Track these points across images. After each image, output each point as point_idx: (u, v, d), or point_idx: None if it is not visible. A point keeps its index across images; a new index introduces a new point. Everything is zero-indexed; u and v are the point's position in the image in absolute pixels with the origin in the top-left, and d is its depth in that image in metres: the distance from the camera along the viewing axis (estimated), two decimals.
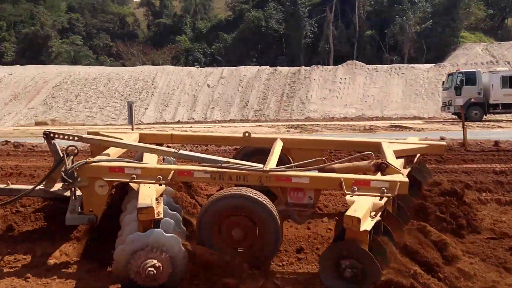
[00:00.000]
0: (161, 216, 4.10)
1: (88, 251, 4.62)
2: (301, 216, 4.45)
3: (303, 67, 30.56)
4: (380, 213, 3.91)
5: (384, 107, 25.81)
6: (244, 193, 4.27)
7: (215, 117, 25.32)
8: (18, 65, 34.25)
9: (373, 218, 3.78)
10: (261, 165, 4.59)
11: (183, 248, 3.93)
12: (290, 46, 45.86)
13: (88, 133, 5.87)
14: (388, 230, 4.03)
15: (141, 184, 4.37)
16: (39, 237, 5.10)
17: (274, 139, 5.51)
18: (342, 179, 4.13)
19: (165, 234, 3.88)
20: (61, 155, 4.88)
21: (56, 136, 5.13)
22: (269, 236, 4.26)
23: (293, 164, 4.66)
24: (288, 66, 32.24)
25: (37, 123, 23.39)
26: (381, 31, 43.80)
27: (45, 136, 5.21)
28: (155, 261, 3.80)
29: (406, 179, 4.11)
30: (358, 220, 3.54)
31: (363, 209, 3.76)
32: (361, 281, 3.70)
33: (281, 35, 46.16)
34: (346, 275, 3.71)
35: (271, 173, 4.36)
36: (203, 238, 4.36)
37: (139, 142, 5.70)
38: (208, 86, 28.17)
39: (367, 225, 3.67)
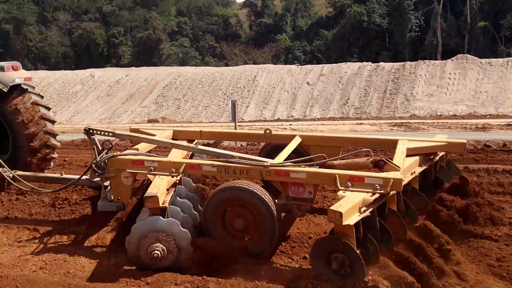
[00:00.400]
0: (166, 204, 4.53)
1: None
2: (301, 209, 4.57)
3: (408, 62, 29.20)
4: (371, 209, 3.96)
5: (500, 104, 23.72)
6: (242, 185, 4.53)
7: (314, 114, 25.28)
8: (134, 67, 37.20)
9: (360, 213, 3.84)
10: (269, 160, 4.79)
11: (183, 229, 4.33)
12: (393, 41, 44.10)
13: (131, 130, 6.43)
14: (385, 228, 4.04)
15: (156, 176, 4.82)
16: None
17: (293, 136, 5.68)
18: (337, 175, 4.25)
19: (163, 219, 4.37)
20: (100, 148, 5.49)
21: (95, 132, 5.70)
22: (266, 227, 4.46)
23: (295, 160, 4.71)
24: (391, 62, 31.04)
25: (149, 121, 25.30)
26: (495, 22, 40.24)
27: (85, 132, 5.78)
28: (159, 244, 4.31)
29: (401, 176, 4.13)
30: (340, 214, 3.67)
31: (349, 204, 3.86)
32: (348, 274, 3.80)
33: (384, 30, 44.55)
34: (333, 267, 3.87)
35: (271, 168, 4.53)
36: (208, 227, 4.71)
37: (172, 138, 6.23)
38: (308, 83, 28.20)
39: (352, 219, 3.76)
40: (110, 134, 5.82)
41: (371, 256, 3.90)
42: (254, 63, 40.11)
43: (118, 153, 5.43)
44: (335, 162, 4.88)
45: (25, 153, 6.85)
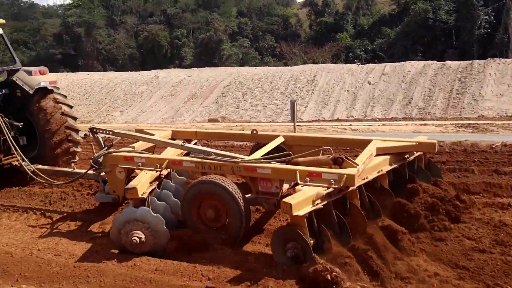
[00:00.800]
0: (145, 196, 5.14)
1: None
2: (268, 203, 5.00)
3: (477, 60, 27.76)
4: (324, 202, 4.31)
5: None
6: (212, 179, 4.99)
7: (375, 115, 24.69)
8: (195, 68, 38.15)
9: (313, 205, 4.21)
10: (243, 157, 5.19)
11: (155, 214, 4.88)
12: (460, 39, 42.06)
13: (136, 130, 7.04)
14: (342, 221, 4.36)
15: (143, 171, 5.39)
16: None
17: (277, 136, 6.12)
18: (297, 171, 4.62)
19: (134, 208, 4.99)
20: (103, 146, 6.08)
21: (99, 131, 6.31)
22: (234, 218, 4.86)
23: (265, 157, 5.14)
24: (458, 60, 29.66)
25: (209, 120, 25.86)
26: None
27: (90, 131, 6.39)
28: (138, 231, 4.89)
29: (353, 172, 4.40)
30: (290, 205, 4.05)
31: (302, 197, 4.22)
32: (301, 261, 4.13)
33: (450, 27, 42.60)
34: (288, 254, 4.24)
35: (241, 164, 4.94)
36: (185, 216, 5.18)
37: (171, 138, 6.78)
38: (369, 83, 27.58)
39: (303, 210, 4.11)
40: (111, 133, 6.42)
41: (324, 245, 4.21)
42: (313, 63, 39.81)
43: (113, 150, 5.94)
44: (300, 159, 5.18)
45: (49, 147, 7.61)
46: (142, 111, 29.65)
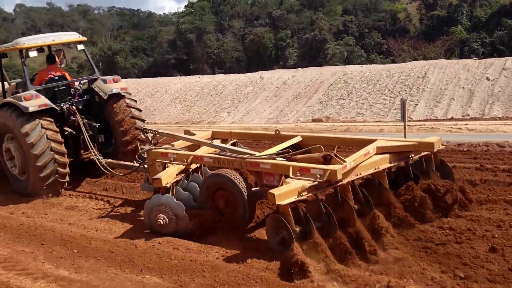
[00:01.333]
0: (168, 185, 6.05)
1: None
2: None
3: None
4: (309, 194, 4.83)
5: None
6: (222, 172, 5.78)
7: (495, 113, 22.64)
8: (299, 68, 38.31)
9: (298, 196, 4.72)
10: (256, 153, 5.92)
11: (179, 202, 5.79)
12: None
13: (184, 131, 7.93)
14: (330, 212, 4.81)
15: (172, 164, 6.36)
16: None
17: (296, 136, 6.78)
18: (290, 166, 5.19)
19: (166, 196, 5.92)
20: (151, 143, 7.16)
21: (148, 131, 7.48)
22: (239, 207, 5.56)
23: (265, 154, 5.80)
24: None
25: (313, 120, 25.79)
26: None
27: (141, 131, 7.86)
28: (162, 215, 5.84)
29: (336, 168, 4.84)
30: (273, 195, 4.57)
31: (287, 188, 4.78)
32: (287, 246, 4.57)
33: None
34: (276, 239, 4.84)
35: (247, 160, 5.64)
36: (202, 202, 6.00)
37: (211, 137, 7.62)
38: (488, 79, 25.38)
39: (286, 200, 4.61)
40: (156, 132, 7.59)
41: (307, 233, 4.70)
42: (424, 59, 37.69)
43: (154, 147, 7.03)
44: (298, 156, 5.72)
45: (121, 145, 8.91)
46: (248, 111, 30.54)
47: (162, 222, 5.89)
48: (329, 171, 4.92)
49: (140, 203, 7.52)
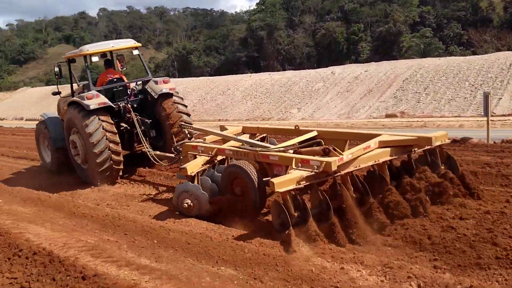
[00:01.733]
0: (193, 174, 6.98)
1: None
2: None
3: None
4: (307, 183, 5.41)
5: None
6: (237, 163, 6.47)
7: None
8: (373, 62, 37.23)
9: (296, 184, 5.31)
10: (271, 146, 6.70)
11: (203, 191, 6.67)
12: None
13: (220, 126, 8.97)
14: (326, 199, 5.34)
15: (200, 156, 7.37)
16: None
17: (312, 131, 7.27)
18: (294, 158, 5.78)
19: (189, 183, 6.85)
20: (188, 137, 8.49)
21: (185, 126, 8.89)
22: (251, 194, 6.19)
23: (278, 147, 6.52)
24: None
25: (387, 116, 24.97)
26: None
27: (179, 126, 9.29)
28: (187, 199, 6.76)
29: (330, 160, 5.35)
30: (273, 183, 5.20)
31: (286, 178, 5.36)
32: (286, 228, 5.23)
33: None
34: (278, 222, 5.46)
35: (259, 152, 6.35)
36: (222, 189, 6.74)
37: (242, 132, 8.43)
38: None
39: (284, 188, 5.20)
40: (190, 128, 8.97)
41: (305, 218, 5.30)
42: (508, 50, 35.10)
43: (187, 140, 8.11)
44: (303, 149, 6.37)
45: (169, 138, 9.75)
46: (318, 107, 30.22)
47: (187, 206, 6.82)
48: (324, 162, 5.44)
49: None
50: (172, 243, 5.80)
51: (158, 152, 9.62)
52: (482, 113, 12.15)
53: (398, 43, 51.10)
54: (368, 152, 5.98)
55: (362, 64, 38.74)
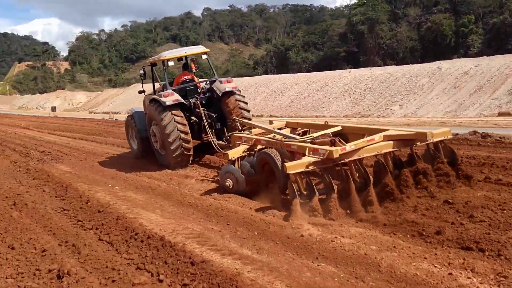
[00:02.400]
0: (233, 159, 8.50)
1: None
2: None
3: None
4: (314, 167, 6.58)
5: None
6: (266, 151, 7.81)
7: None
8: (484, 56, 34.49)
9: (305, 168, 6.49)
10: (296, 137, 7.99)
11: (241, 174, 8.13)
12: None
13: (269, 121, 10.85)
14: (331, 182, 6.41)
15: (242, 145, 8.89)
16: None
17: (337, 125, 8.47)
18: (307, 147, 6.95)
19: (231, 166, 8.39)
20: (239, 130, 10.12)
21: (237, 121, 10.47)
22: (278, 176, 7.36)
23: (298, 138, 7.76)
24: None
25: (500, 114, 23.00)
26: None
27: (232, 120, 10.62)
28: (229, 179, 8.20)
29: (333, 149, 6.49)
30: (285, 167, 6.46)
31: (297, 163, 6.62)
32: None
33: None
34: (289, 197, 6.79)
35: (284, 142, 7.62)
36: (257, 172, 8.13)
37: (285, 126, 9.83)
38: None
39: (294, 171, 6.42)
40: (237, 121, 10.40)
41: (311, 196, 6.39)
42: None
43: (236, 132, 9.75)
44: (317, 140, 7.46)
45: (231, 130, 10.59)
46: (422, 104, 28.76)
47: (228, 184, 8.19)
48: (328, 151, 6.45)
49: None
50: (272, 236, 5.92)
51: (221, 142, 11.01)
52: None
53: None
54: (372, 144, 6.87)
55: (472, 58, 36.06)
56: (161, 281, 4.91)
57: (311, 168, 6.52)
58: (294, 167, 6.45)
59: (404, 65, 39.55)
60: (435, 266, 4.62)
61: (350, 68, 47.05)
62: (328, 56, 66.91)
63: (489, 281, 4.26)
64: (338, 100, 34.53)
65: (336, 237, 5.66)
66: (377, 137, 6.99)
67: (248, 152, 8.88)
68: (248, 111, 11.60)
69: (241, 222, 6.62)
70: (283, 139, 7.74)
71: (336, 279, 4.57)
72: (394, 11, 62.44)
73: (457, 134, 11.24)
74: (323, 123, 8.98)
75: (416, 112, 27.93)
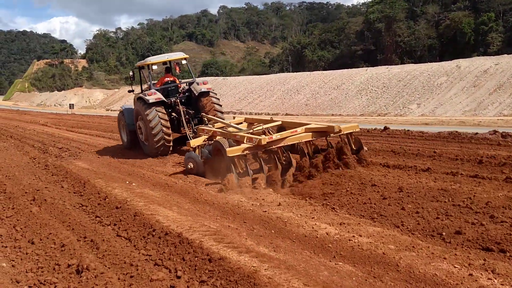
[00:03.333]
0: (194, 146, 10.53)
1: None
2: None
3: None
4: (248, 152, 8.54)
5: None
6: (218, 139, 9.69)
7: None
8: (505, 55, 33.87)
9: (241, 152, 8.51)
10: (243, 129, 10.27)
11: (200, 159, 10.05)
12: None
13: (233, 117, 13.56)
14: (262, 164, 8.57)
15: (203, 136, 10.95)
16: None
17: (278, 121, 10.60)
18: (245, 137, 8.99)
19: (192, 152, 10.40)
20: (206, 124, 12.38)
21: (204, 117, 12.59)
22: (224, 159, 8.81)
23: (241, 130, 10.08)
24: None
25: None
26: None
27: (201, 116, 12.89)
28: (190, 163, 10.11)
29: (261, 138, 8.45)
30: (225, 151, 8.50)
31: (235, 148, 8.64)
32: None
33: None
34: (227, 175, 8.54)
35: (232, 133, 9.89)
36: (213, 155, 9.73)
37: (244, 121, 12.16)
38: None
39: (233, 155, 8.36)
40: (205, 117, 12.57)
41: (245, 174, 8.31)
42: None
43: (201, 125, 11.83)
44: (254, 131, 9.62)
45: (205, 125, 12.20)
46: (441, 103, 28.37)
47: (190, 166, 10.07)
48: (258, 139, 8.34)
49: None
50: (289, 234, 5.90)
51: (194, 135, 12.61)
52: None
53: None
54: (296, 135, 8.77)
55: (492, 56, 35.41)
56: (179, 277, 4.91)
57: (246, 152, 8.44)
58: (232, 151, 8.35)
59: (422, 64, 39.00)
60: (455, 267, 4.56)
61: (367, 66, 46.60)
62: (344, 54, 66.46)
63: (510, 282, 4.19)
64: (355, 98, 34.25)
65: (353, 236, 5.61)
66: (299, 129, 8.96)
67: (207, 142, 10.75)
68: (221, 111, 13.50)
69: (257, 220, 6.60)
70: (232, 131, 9.89)
71: (354, 279, 4.53)
72: (412, 8, 61.71)
73: (476, 133, 11.04)
74: (269, 118, 11.50)
75: (434, 111, 27.56)
